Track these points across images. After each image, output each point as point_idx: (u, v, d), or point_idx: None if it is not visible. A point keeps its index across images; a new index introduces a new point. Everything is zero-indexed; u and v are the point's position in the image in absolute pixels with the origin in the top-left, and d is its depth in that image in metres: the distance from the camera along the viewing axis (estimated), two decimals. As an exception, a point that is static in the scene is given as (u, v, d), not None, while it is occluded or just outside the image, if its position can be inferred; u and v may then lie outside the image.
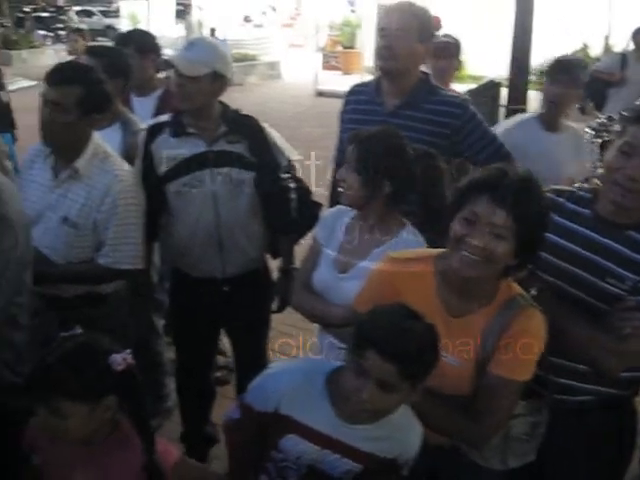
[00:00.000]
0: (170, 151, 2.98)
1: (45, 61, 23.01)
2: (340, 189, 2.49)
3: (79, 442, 1.95)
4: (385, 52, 3.06)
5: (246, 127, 3.06)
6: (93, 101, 2.66)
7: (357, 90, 3.36)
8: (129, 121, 3.45)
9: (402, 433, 2.00)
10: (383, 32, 3.08)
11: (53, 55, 23.26)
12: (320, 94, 16.99)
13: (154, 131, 3.05)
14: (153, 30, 23.36)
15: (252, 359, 3.35)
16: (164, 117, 3.12)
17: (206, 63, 2.90)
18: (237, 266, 3.13)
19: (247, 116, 3.11)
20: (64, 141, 2.69)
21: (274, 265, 3.39)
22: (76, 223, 2.67)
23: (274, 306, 3.31)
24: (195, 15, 23.41)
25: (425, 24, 3.10)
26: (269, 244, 3.25)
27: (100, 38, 21.56)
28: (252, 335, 3.37)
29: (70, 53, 7.77)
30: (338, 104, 3.43)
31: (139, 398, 1.96)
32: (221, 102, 3.06)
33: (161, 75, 4.13)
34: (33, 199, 2.69)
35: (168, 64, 2.97)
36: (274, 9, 27.96)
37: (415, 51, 3.07)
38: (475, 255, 1.92)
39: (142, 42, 4.05)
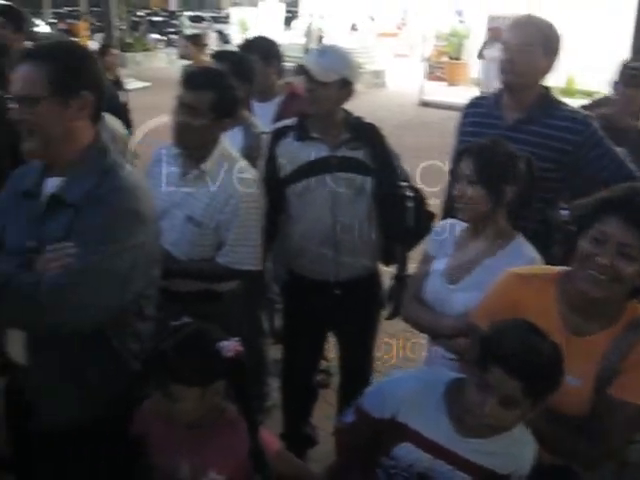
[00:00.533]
0: (293, 154, 3.06)
1: (157, 64, 23.85)
2: (459, 205, 2.48)
3: (189, 425, 2.04)
4: (507, 66, 3.04)
5: (367, 134, 3.10)
6: (226, 106, 2.75)
7: (476, 103, 3.34)
8: (251, 125, 3.52)
9: (517, 448, 1.98)
10: (505, 46, 3.06)
11: (165, 58, 24.08)
12: (425, 104, 16.92)
13: (279, 134, 3.13)
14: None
15: (358, 364, 3.39)
16: (289, 121, 3.19)
17: (337, 70, 2.96)
18: (350, 270, 3.16)
19: (369, 123, 3.15)
20: (196, 143, 2.78)
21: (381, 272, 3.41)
22: (200, 222, 2.75)
23: (386, 313, 3.33)
24: (314, 23, 23.45)
25: (550, 38, 3.06)
26: (382, 251, 3.27)
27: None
28: (360, 340, 3.40)
29: (181, 57, 8.01)
30: (443, 115, 3.47)
31: (247, 385, 2.03)
32: (344, 109, 3.11)
33: (282, 81, 4.20)
34: (161, 196, 2.77)
35: (300, 70, 3.03)
36: (372, 19, 27.89)
37: (538, 66, 3.03)
38: (603, 274, 1.89)
39: (266, 49, 4.12)
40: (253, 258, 2.82)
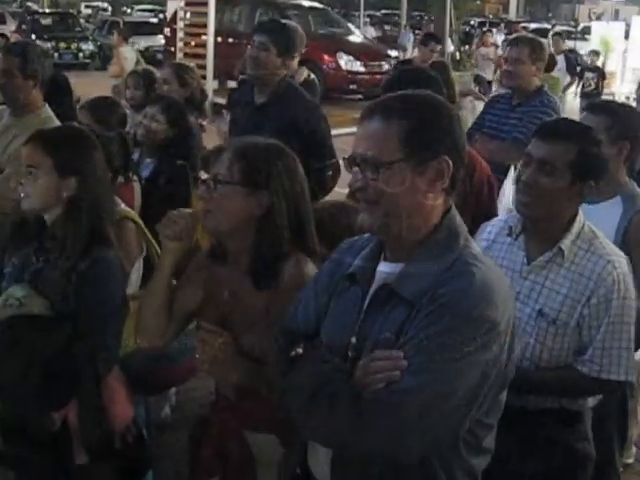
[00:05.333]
0: None
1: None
2: None
3: None
4: None
5: None
6: (588, 165, 2.24)
7: None
8: (634, 196, 2.79)
9: None
10: None
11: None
12: None
13: None
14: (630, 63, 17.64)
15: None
16: None
17: None
18: None
19: None
20: (549, 213, 2.26)
21: None
22: (554, 319, 2.21)
23: None
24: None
25: None
26: None
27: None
28: None
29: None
30: None
31: None
32: None
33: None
34: None
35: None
36: None
37: None
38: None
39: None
40: (624, 365, 2.22)
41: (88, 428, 2.41)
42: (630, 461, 3.82)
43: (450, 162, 1.60)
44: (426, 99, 1.69)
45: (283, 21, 4.67)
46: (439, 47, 8.43)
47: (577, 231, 2.25)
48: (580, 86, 13.52)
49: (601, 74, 13.88)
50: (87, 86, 8.34)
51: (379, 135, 1.61)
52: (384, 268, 1.69)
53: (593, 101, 3.17)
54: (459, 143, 1.64)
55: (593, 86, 13.39)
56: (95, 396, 2.43)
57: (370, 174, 1.59)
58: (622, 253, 2.30)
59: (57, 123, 3.62)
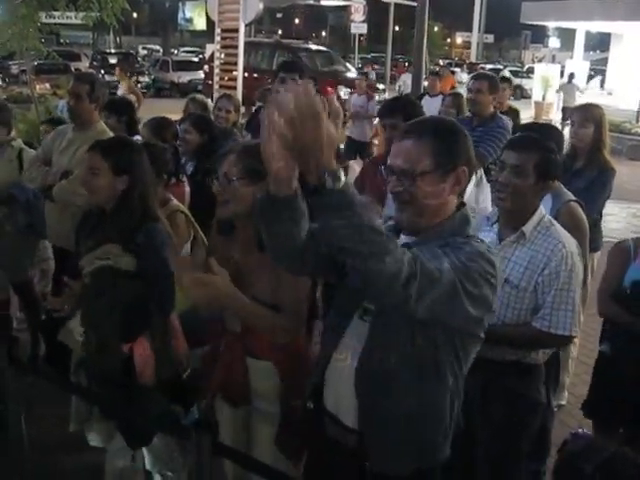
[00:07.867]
0: None
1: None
2: None
3: None
4: None
5: None
6: (548, 167, 2.32)
7: None
8: (560, 194, 2.94)
9: None
10: None
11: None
12: None
13: None
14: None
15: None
16: None
17: None
18: None
19: None
20: (519, 205, 2.32)
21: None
22: (517, 285, 2.26)
23: None
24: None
25: None
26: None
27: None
28: None
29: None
30: None
31: None
32: None
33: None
34: None
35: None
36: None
37: None
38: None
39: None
40: (569, 323, 2.25)
41: (160, 357, 2.46)
42: (563, 402, 3.90)
43: (466, 171, 1.65)
44: (448, 123, 1.73)
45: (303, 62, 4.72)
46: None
47: (537, 220, 2.31)
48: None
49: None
50: (144, 109, 8.45)
51: (414, 151, 1.62)
52: (404, 239, 1.70)
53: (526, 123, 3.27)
54: (471, 157, 1.69)
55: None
56: (163, 332, 2.50)
57: (406, 182, 1.61)
58: (573, 238, 2.33)
59: (110, 134, 3.65)
